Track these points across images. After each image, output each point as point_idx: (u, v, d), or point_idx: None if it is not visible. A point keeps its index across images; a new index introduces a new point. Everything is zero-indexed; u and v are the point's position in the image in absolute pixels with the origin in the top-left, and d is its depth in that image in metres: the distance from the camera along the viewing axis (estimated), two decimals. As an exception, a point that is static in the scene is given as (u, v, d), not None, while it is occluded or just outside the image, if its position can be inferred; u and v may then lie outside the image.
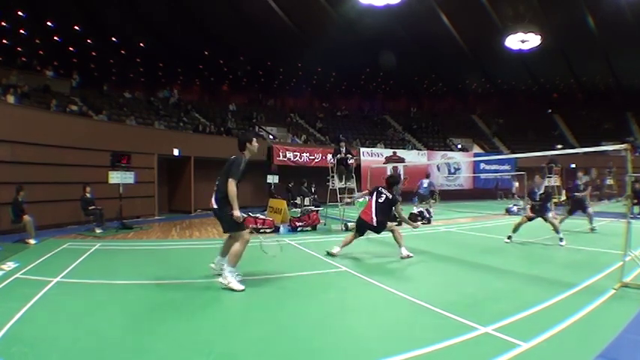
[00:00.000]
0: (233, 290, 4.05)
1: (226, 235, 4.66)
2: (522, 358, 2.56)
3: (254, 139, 4.55)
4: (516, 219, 8.58)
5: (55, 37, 17.47)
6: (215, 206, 4.39)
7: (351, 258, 6.06)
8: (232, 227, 4.35)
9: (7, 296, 3.97)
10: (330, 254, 6.05)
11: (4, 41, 16.73)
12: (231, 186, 4.19)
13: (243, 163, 4.37)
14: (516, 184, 18.99)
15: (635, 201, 11.49)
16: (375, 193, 6.17)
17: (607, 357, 2.58)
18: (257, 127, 20.58)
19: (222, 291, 4.25)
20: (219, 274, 4.38)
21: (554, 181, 15.59)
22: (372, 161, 18.52)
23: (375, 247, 7.45)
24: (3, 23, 15.76)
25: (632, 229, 4.49)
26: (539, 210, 7.48)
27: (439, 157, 21.96)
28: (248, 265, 5.61)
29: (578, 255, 6.27)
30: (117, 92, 18.47)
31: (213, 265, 4.70)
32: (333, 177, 10.03)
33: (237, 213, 4.18)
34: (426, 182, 14.97)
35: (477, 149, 25.46)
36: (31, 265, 5.38)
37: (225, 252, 4.57)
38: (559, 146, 21.82)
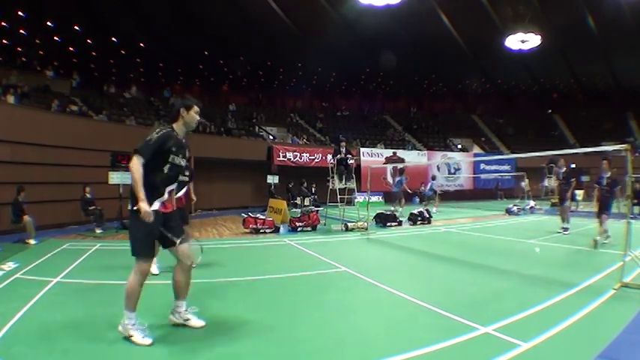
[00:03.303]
0: (138, 345, 2.80)
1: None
2: (522, 358, 2.56)
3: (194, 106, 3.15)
4: (517, 219, 8.61)
5: (55, 37, 17.47)
6: (129, 206, 2.86)
7: (351, 258, 6.07)
8: (134, 247, 2.89)
9: (7, 296, 3.97)
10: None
11: (4, 41, 16.73)
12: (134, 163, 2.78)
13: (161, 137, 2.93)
14: (527, 180, 18.54)
15: (635, 201, 11.49)
16: None
17: (607, 357, 2.58)
18: (257, 127, 20.59)
19: (223, 292, 4.25)
20: (186, 319, 3.19)
21: (554, 181, 15.61)
22: (372, 161, 18.54)
23: (375, 247, 7.46)
24: (3, 23, 15.76)
25: (632, 229, 4.49)
26: (606, 199, 6.88)
27: (439, 157, 21.98)
28: (248, 266, 5.62)
29: (578, 255, 6.27)
30: (117, 92, 18.48)
31: (172, 318, 3.24)
32: (333, 177, 10.04)
33: (144, 206, 2.71)
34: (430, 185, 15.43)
35: (477, 149, 25.49)
36: (31, 265, 5.38)
37: (179, 291, 3.18)
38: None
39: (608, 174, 6.88)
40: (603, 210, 6.81)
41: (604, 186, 6.90)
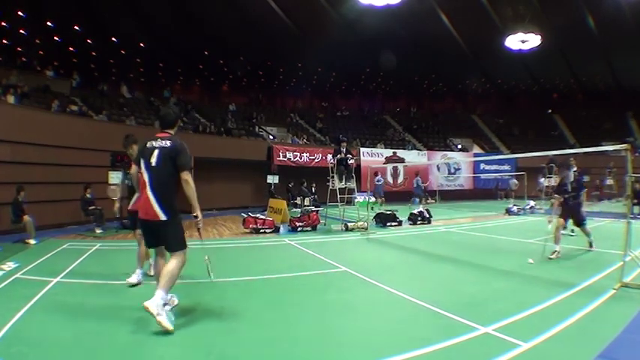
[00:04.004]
0: (163, 327, 2.99)
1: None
2: (522, 358, 2.56)
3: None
4: (517, 219, 8.53)
5: (55, 37, 17.47)
6: (164, 217, 3.19)
7: (351, 258, 6.06)
8: (180, 243, 3.35)
9: (7, 296, 3.98)
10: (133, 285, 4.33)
11: (4, 41, 16.72)
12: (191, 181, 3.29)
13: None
14: (515, 181, 19.13)
15: (635, 201, 11.49)
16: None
17: (607, 357, 2.58)
18: (257, 127, 20.58)
19: (222, 291, 4.26)
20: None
21: (554, 181, 15.64)
22: (372, 161, 18.53)
23: (375, 247, 7.46)
24: (3, 23, 15.75)
25: (632, 229, 4.49)
26: (574, 207, 6.16)
27: (439, 157, 21.97)
28: (248, 266, 5.62)
29: (577, 255, 6.27)
30: (117, 92, 18.48)
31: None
32: (333, 177, 10.04)
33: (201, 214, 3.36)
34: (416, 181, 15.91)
35: (477, 149, 25.48)
36: (31, 265, 5.38)
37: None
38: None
39: (571, 179, 6.25)
40: (577, 221, 6.24)
41: (569, 193, 6.17)
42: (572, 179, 6.32)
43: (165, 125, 3.47)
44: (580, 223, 6.38)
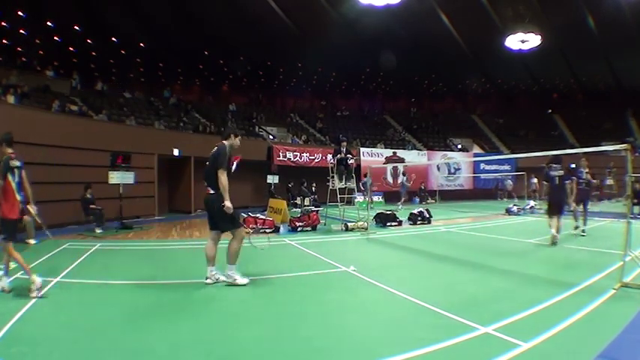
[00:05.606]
0: (238, 285, 4.30)
1: (207, 241, 4.67)
2: (522, 358, 2.56)
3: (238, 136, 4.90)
4: (517, 219, 8.51)
5: (55, 37, 17.46)
6: (212, 191, 4.48)
7: (351, 258, 6.06)
8: (233, 223, 4.48)
9: (7, 296, 3.98)
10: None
11: (4, 41, 16.72)
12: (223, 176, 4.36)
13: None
14: (509, 181, 19.47)
15: (635, 201, 11.48)
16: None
17: (607, 357, 2.58)
18: (257, 127, 20.57)
19: (223, 291, 4.26)
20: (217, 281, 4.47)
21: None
22: (372, 161, 18.53)
23: (375, 247, 7.46)
24: (3, 23, 15.75)
25: (632, 229, 4.48)
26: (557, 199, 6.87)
27: (439, 157, 21.97)
28: (248, 266, 5.62)
29: (578, 255, 6.27)
30: (117, 92, 18.47)
31: (208, 280, 4.42)
32: (333, 177, 10.03)
33: (229, 204, 4.31)
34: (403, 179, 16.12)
35: (477, 149, 25.47)
36: (31, 265, 5.32)
37: (213, 260, 4.47)
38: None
39: (561, 172, 6.80)
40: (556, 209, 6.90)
41: (556, 184, 6.90)
42: (561, 173, 6.82)
43: (222, 137, 4.81)
44: (559, 212, 6.93)
